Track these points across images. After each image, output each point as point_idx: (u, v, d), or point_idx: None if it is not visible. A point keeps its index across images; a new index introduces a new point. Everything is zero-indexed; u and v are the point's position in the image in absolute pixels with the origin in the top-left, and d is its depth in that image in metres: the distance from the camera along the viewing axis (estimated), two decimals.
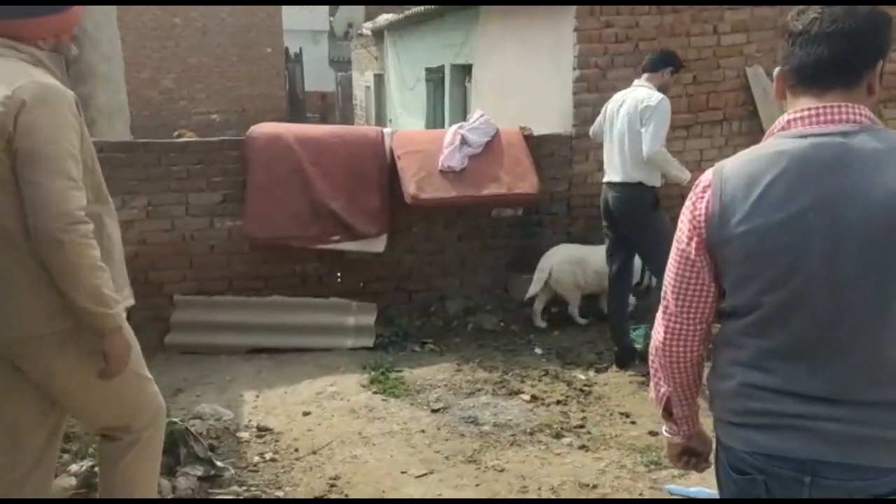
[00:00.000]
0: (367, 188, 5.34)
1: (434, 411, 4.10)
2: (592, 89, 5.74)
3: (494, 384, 4.41)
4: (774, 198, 1.41)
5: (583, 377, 4.53)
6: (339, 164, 5.32)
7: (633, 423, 3.93)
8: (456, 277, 5.75)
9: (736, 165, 1.49)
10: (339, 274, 5.57)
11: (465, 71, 8.85)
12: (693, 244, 1.52)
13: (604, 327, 5.23)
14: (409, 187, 5.23)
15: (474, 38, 8.18)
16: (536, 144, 5.69)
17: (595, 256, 5.13)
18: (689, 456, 1.77)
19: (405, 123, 10.96)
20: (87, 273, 2.02)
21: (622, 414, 4.03)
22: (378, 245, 5.39)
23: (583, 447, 3.66)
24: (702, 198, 1.51)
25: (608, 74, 5.73)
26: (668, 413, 1.70)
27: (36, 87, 2.01)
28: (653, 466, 3.44)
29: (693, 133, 5.91)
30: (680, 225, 1.56)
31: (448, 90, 9.34)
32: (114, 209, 2.33)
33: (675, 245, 1.57)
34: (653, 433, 3.80)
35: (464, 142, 5.42)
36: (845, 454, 1.40)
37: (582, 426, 3.90)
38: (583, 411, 4.09)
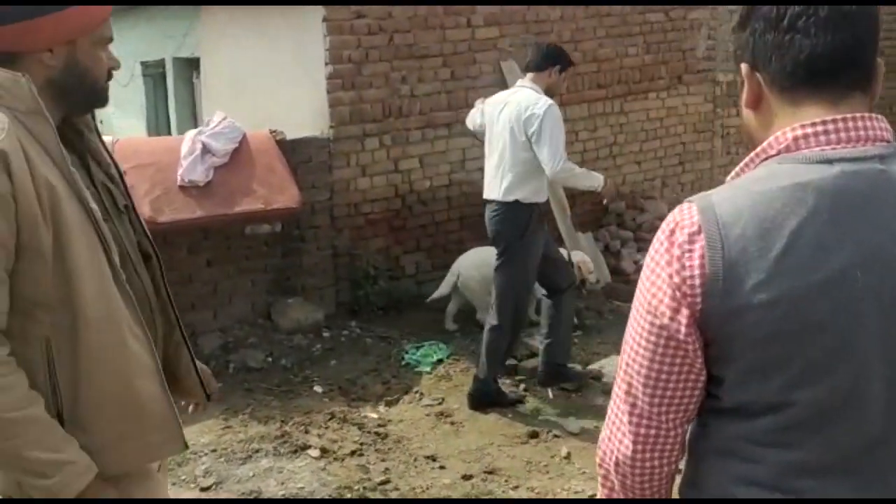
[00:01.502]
0: None
1: (204, 489, 3.33)
2: (348, 86, 5.19)
3: (274, 440, 3.71)
4: (806, 251, 0.98)
5: (374, 415, 4.00)
6: None
7: (441, 467, 3.48)
8: (208, 310, 4.90)
9: (737, 204, 1.02)
10: None
11: (191, 65, 7.80)
12: (681, 318, 1.03)
13: (385, 350, 4.75)
14: (143, 210, 4.28)
15: (199, 26, 7.20)
16: (291, 150, 5.02)
17: None
18: None
19: (122, 127, 9.53)
20: None
21: (427, 458, 3.56)
22: None
23: None
24: (690, 251, 1.02)
25: (363, 70, 5.22)
26: None
27: None
28: None
29: (455, 131, 5.61)
30: (651, 289, 1.06)
31: (172, 88, 8.23)
32: (123, 307, 1.48)
33: (645, 318, 1.07)
34: (466, 477, 3.38)
35: (206, 150, 4.59)
36: None
37: (387, 481, 3.36)
38: (383, 460, 3.55)
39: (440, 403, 4.09)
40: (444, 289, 5.03)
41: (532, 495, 3.29)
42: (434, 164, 5.58)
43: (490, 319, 4.03)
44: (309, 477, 3.40)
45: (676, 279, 1.03)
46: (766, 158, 1.06)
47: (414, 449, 3.65)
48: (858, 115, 1.03)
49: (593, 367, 4.39)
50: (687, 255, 1.02)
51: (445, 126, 5.57)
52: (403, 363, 4.57)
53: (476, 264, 4.91)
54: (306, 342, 4.79)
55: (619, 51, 6.39)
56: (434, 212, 5.63)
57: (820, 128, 1.02)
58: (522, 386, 4.28)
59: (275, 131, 4.99)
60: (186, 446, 1.61)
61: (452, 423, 3.89)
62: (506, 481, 3.37)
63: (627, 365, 1.11)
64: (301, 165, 5.11)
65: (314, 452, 3.59)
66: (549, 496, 3.27)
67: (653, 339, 1.07)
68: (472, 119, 4.41)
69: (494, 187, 3.98)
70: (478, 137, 4.45)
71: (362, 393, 4.27)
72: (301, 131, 5.18)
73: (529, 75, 4.02)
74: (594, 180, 4.01)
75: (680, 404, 1.09)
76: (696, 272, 1.02)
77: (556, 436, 3.74)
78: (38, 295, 1.38)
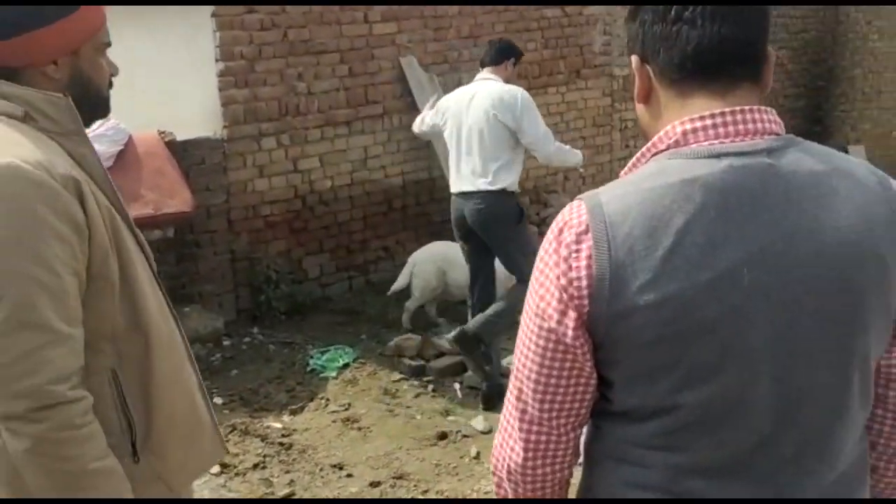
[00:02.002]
0: None
1: None
2: (241, 84, 4.99)
3: None
4: (694, 250, 0.94)
5: (278, 425, 3.85)
6: None
7: (349, 476, 3.38)
8: None
9: (625, 202, 0.98)
10: None
11: None
12: (568, 322, 0.99)
13: (290, 357, 4.60)
14: None
15: None
16: (182, 151, 4.79)
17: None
18: None
19: None
20: (68, 482, 1.24)
21: (334, 467, 3.45)
22: None
23: None
24: (577, 252, 0.98)
25: (257, 66, 5.03)
26: None
27: None
28: None
29: (355, 129, 5.50)
30: (539, 290, 1.01)
31: None
32: (175, 327, 1.46)
33: (534, 321, 1.03)
34: (374, 484, 3.29)
35: None
36: None
37: (291, 494, 3.23)
38: (287, 472, 3.42)
39: (347, 409, 3.98)
40: (401, 281, 4.93)
41: (441, 498, 3.23)
42: (335, 163, 5.45)
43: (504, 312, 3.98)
44: (209, 494, 3.23)
45: (563, 281, 0.99)
46: (657, 153, 1.03)
47: (320, 458, 3.53)
48: (748, 107, 1.00)
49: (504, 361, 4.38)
50: (574, 255, 0.98)
51: (345, 124, 5.44)
52: (309, 369, 4.44)
53: (433, 258, 4.85)
54: (205, 352, 4.58)
55: (519, 46, 6.40)
56: (336, 212, 5.50)
57: (709, 121, 0.99)
58: (431, 387, 4.22)
59: (164, 132, 4.75)
60: (227, 451, 1.60)
61: (360, 429, 3.79)
62: (415, 486, 3.30)
63: (518, 370, 1.07)
64: (194, 167, 4.89)
65: (213, 468, 3.42)
66: (460, 497, 3.23)
67: (541, 342, 1.02)
68: (422, 122, 4.42)
69: (474, 179, 3.94)
70: (423, 137, 4.55)
71: (265, 402, 4.10)
72: (193, 132, 4.95)
73: (487, 69, 4.10)
74: (578, 157, 4.18)
75: (571, 409, 1.04)
76: (583, 273, 0.97)
77: (464, 436, 3.70)
78: (105, 326, 1.32)
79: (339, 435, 3.75)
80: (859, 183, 0.99)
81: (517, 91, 3.92)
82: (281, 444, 3.65)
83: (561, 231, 1.00)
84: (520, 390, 1.06)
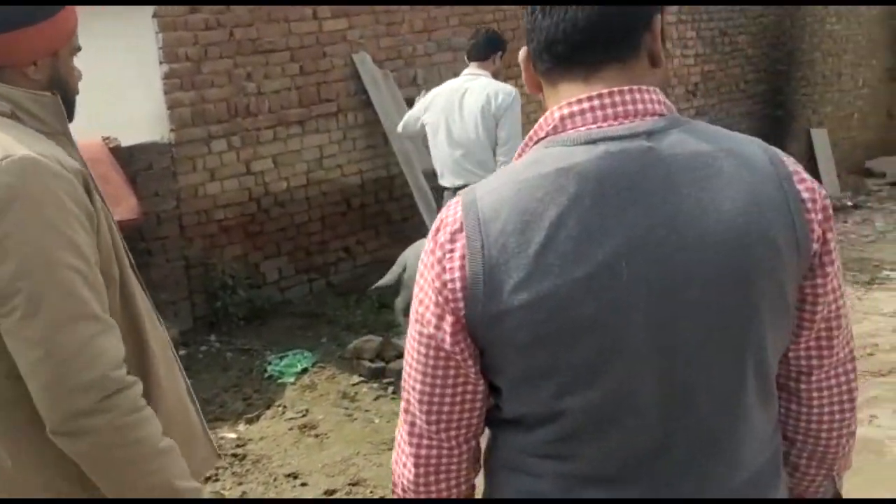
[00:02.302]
0: None
1: None
2: (187, 86, 4.86)
3: None
4: (568, 243, 0.87)
5: (233, 435, 3.74)
6: None
7: (303, 485, 3.29)
8: None
9: (500, 196, 0.91)
10: None
11: None
12: (446, 327, 0.92)
13: (247, 364, 4.49)
14: None
15: None
16: (128, 157, 4.66)
17: None
18: None
19: None
20: (144, 467, 1.23)
21: (288, 476, 3.35)
22: None
23: None
24: (451, 252, 0.91)
25: (203, 68, 4.90)
26: None
27: None
28: None
29: (309, 128, 5.39)
30: (419, 294, 0.95)
31: None
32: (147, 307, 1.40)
33: (414, 327, 0.96)
34: (329, 492, 3.20)
35: None
36: None
37: None
38: (240, 484, 3.32)
39: (304, 416, 3.89)
40: (388, 278, 4.82)
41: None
42: (289, 164, 5.33)
43: None
44: None
45: (437, 283, 0.92)
46: (538, 141, 0.95)
47: (274, 468, 3.43)
48: (626, 87, 0.93)
49: None
50: (448, 256, 0.91)
51: (298, 123, 5.33)
52: (266, 375, 4.33)
53: None
54: None
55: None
56: (293, 213, 5.39)
57: (586, 104, 0.93)
58: (391, 389, 4.13)
59: (108, 138, 4.62)
60: (220, 457, 1.57)
61: (317, 436, 3.69)
62: (371, 492, 3.21)
63: (404, 380, 0.99)
64: (141, 173, 4.76)
65: None
66: None
67: (423, 350, 0.95)
68: (416, 121, 4.33)
69: (457, 175, 3.99)
70: (407, 133, 4.52)
71: (220, 412, 3.99)
72: (140, 137, 4.81)
73: (474, 64, 4.07)
74: None
75: (461, 420, 0.97)
76: (457, 275, 0.90)
77: None
78: (121, 318, 1.30)
79: (296, 442, 3.65)
80: (748, 162, 0.92)
81: (512, 93, 3.96)
82: (234, 454, 3.55)
83: (437, 231, 0.94)
84: (407, 402, 0.99)
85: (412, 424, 0.99)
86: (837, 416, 1.02)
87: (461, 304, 0.90)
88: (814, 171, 9.19)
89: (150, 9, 4.71)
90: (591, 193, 0.88)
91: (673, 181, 0.89)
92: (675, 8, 7.71)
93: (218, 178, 5.06)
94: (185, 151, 4.88)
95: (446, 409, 0.95)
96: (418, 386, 0.96)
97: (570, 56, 0.94)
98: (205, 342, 4.79)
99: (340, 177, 5.58)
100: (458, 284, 0.90)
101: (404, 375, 0.99)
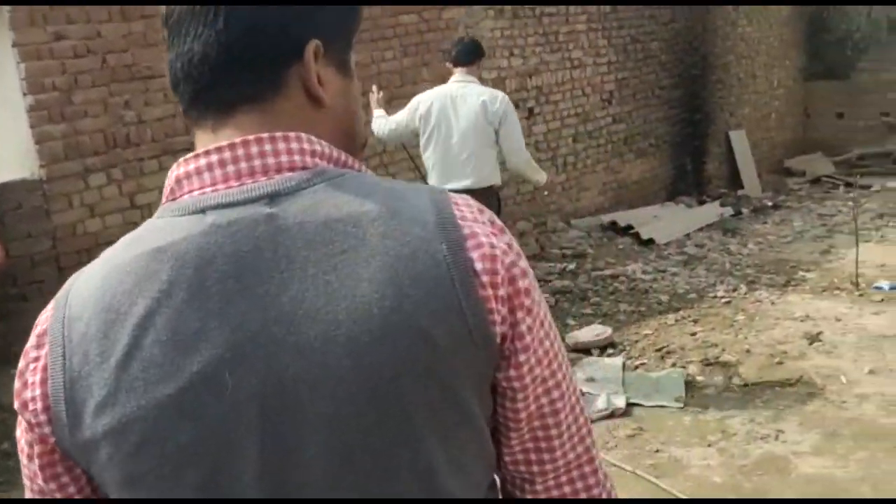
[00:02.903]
0: None
1: None
2: (57, 118, 4.55)
3: None
4: (155, 350, 0.67)
5: None
6: None
7: None
8: None
9: (90, 284, 0.71)
10: None
11: None
12: (36, 460, 0.72)
13: None
14: None
15: None
16: None
17: None
18: None
19: None
20: None
21: None
22: None
23: None
24: (35, 361, 0.72)
25: (74, 98, 4.60)
26: None
27: None
28: None
29: None
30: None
31: None
32: None
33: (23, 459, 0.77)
34: None
35: None
36: None
37: None
38: None
39: None
40: None
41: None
42: None
43: None
44: None
45: (18, 403, 0.72)
46: (162, 206, 0.75)
47: None
48: (251, 137, 0.72)
49: None
50: (31, 368, 0.72)
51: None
52: None
53: None
54: None
55: (375, 56, 6.14)
56: None
57: (202, 161, 0.72)
58: None
59: None
60: None
61: None
62: None
63: None
64: (10, 213, 4.43)
65: None
66: None
67: (35, 488, 0.74)
68: (396, 124, 4.26)
69: (463, 176, 4.05)
70: (385, 142, 4.58)
71: None
72: (6, 175, 4.49)
73: (462, 69, 4.15)
74: (542, 174, 4.35)
75: None
76: (38, 392, 0.71)
77: None
78: None
79: None
80: (402, 227, 0.70)
81: (505, 98, 4.11)
82: None
83: (31, 334, 0.74)
84: None
85: None
86: None
87: (47, 430, 0.71)
88: (734, 173, 9.23)
89: (8, 38, 4.39)
90: (187, 282, 0.67)
91: (296, 260, 0.68)
92: (584, 16, 7.65)
93: (98, 214, 4.75)
94: (58, 188, 4.56)
95: None
96: None
97: (195, 97, 0.75)
98: None
99: None
100: (39, 405, 0.71)
101: None
